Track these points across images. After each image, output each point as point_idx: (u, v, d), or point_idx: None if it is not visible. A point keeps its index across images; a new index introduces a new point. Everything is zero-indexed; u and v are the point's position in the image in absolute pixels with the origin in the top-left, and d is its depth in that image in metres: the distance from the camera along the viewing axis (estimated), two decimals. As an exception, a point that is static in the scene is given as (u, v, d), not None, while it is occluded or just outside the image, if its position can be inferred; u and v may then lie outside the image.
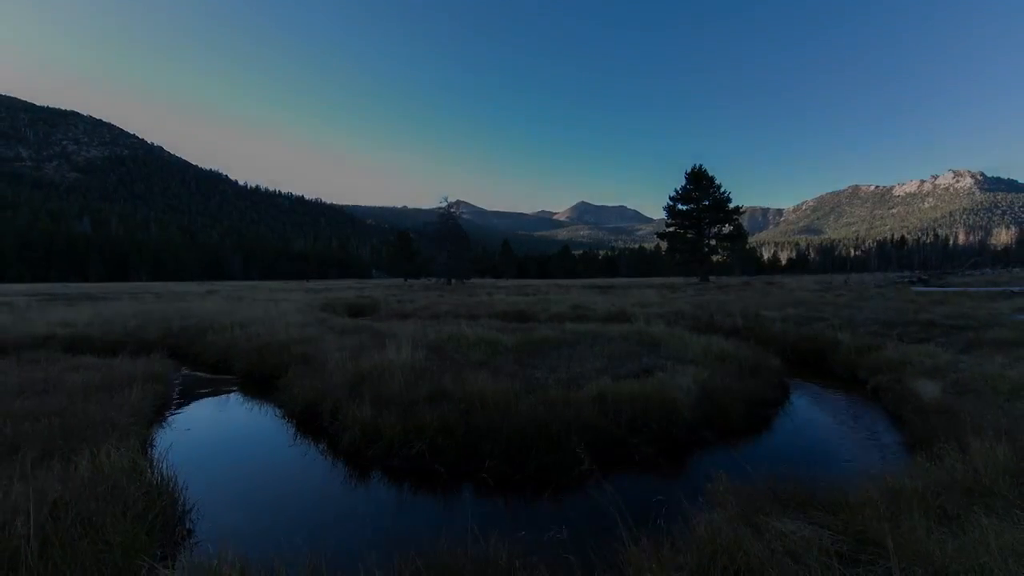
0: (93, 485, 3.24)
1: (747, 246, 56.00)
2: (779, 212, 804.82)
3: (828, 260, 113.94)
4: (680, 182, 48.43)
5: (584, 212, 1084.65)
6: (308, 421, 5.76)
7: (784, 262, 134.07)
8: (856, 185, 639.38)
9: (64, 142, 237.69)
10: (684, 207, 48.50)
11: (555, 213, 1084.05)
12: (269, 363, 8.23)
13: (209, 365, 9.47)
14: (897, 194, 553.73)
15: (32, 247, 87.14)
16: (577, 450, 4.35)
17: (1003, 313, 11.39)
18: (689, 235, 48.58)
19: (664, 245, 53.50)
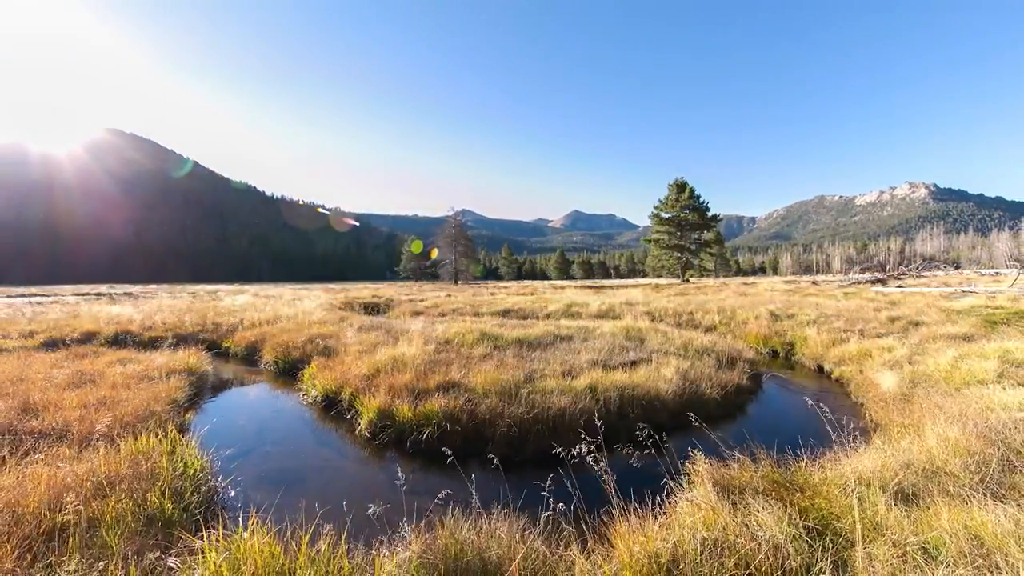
0: (136, 465, 3.25)
1: (724, 251, 55.99)
2: (752, 220, 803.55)
3: (797, 263, 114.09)
4: (664, 192, 48.72)
5: (577, 219, 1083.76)
6: (329, 407, 5.77)
7: (757, 265, 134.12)
8: (822, 195, 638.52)
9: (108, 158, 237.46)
10: (668, 215, 48.59)
11: (551, 220, 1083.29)
12: (294, 355, 8.25)
13: (240, 357, 9.48)
14: (859, 203, 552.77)
15: (82, 251, 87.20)
16: (571, 434, 4.36)
17: (954, 311, 11.37)
18: (672, 240, 48.65)
19: (650, 249, 53.52)
